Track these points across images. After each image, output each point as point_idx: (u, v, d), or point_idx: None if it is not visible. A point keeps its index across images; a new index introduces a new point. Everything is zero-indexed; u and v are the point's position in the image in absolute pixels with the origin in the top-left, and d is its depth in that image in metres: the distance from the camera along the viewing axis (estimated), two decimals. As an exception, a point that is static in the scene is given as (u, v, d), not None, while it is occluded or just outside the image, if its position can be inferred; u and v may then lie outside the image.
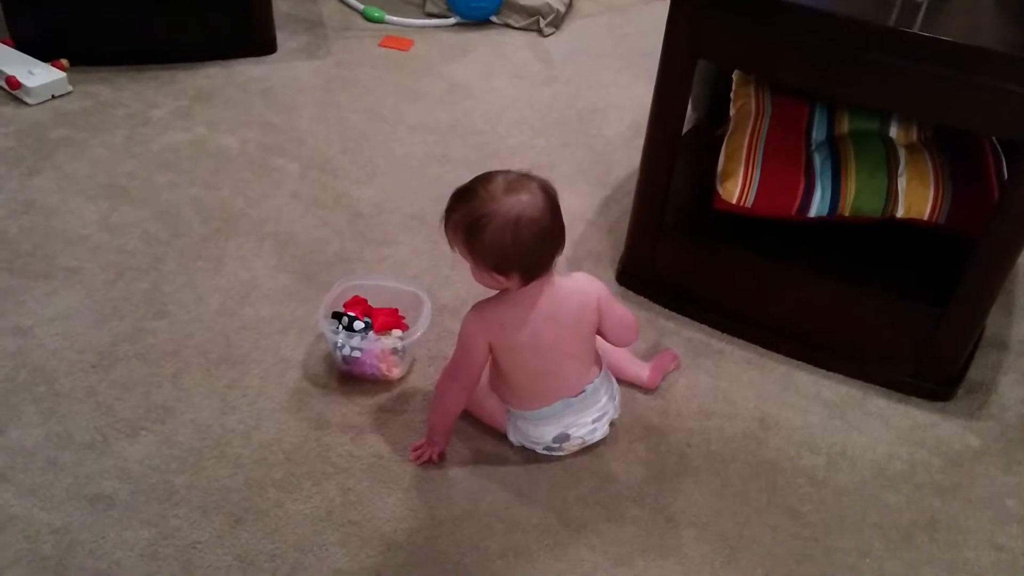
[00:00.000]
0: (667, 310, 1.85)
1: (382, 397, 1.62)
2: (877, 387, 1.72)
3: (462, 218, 1.34)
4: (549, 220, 1.33)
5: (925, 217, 1.69)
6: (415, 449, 1.52)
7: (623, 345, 1.54)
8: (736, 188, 1.72)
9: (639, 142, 2.32)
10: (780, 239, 1.76)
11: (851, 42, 1.43)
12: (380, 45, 2.73)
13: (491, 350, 1.42)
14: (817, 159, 1.74)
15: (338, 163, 2.20)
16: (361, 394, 1.62)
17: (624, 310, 1.50)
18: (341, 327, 1.62)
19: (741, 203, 1.73)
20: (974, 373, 1.75)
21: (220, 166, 2.16)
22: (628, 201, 2.11)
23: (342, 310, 1.66)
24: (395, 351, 1.61)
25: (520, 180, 1.33)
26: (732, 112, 1.86)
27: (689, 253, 1.82)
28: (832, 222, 1.75)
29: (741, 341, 1.79)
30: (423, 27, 2.83)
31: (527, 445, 1.52)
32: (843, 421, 1.65)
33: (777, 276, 1.75)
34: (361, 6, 2.87)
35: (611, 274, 1.94)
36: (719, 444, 1.59)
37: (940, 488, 1.55)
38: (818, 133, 1.81)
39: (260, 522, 1.40)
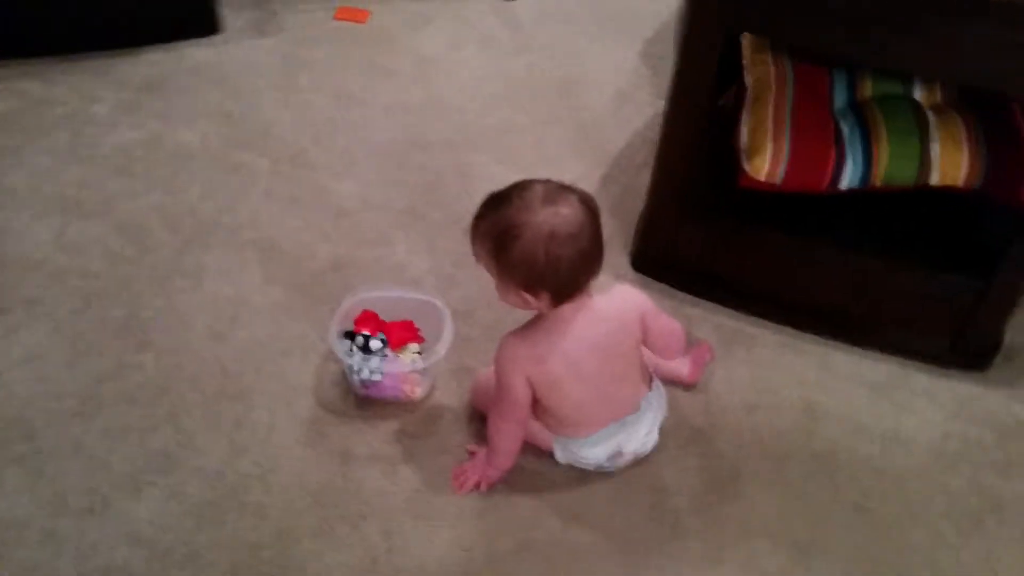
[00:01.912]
0: (691, 296, 1.75)
1: (407, 421, 1.48)
2: (916, 362, 1.65)
3: (492, 226, 1.21)
4: (588, 238, 1.20)
5: (960, 183, 1.61)
6: (456, 477, 1.39)
7: (670, 358, 1.44)
8: (765, 164, 1.61)
9: (627, 112, 2.22)
10: (807, 214, 1.66)
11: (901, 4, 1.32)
12: (335, 18, 2.51)
13: (530, 384, 1.29)
14: (845, 127, 1.63)
15: (311, 154, 2.02)
16: (383, 419, 1.47)
17: (669, 319, 1.39)
18: (355, 348, 1.46)
19: (770, 179, 1.62)
20: (1008, 337, 1.69)
21: (180, 166, 1.95)
22: (628, 178, 2.00)
23: (352, 328, 1.50)
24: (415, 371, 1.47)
25: (560, 191, 1.21)
26: (749, 81, 1.74)
27: (712, 234, 1.71)
28: (862, 193, 1.65)
29: (772, 324, 1.70)
30: (376, -5, 2.62)
31: (576, 464, 1.40)
32: (890, 402, 1.58)
33: (807, 253, 1.66)
34: (306, -25, 2.64)
35: (623, 259, 1.82)
36: (770, 440, 1.50)
37: (998, 466, 1.49)
38: (839, 98, 1.71)
39: (300, 580, 1.26)
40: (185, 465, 1.38)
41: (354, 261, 1.76)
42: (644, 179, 1.99)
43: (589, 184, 1.99)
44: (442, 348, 1.45)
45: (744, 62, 1.79)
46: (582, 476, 1.41)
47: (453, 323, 1.48)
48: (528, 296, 1.23)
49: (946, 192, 1.64)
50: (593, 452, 1.36)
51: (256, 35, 2.41)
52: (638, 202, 1.94)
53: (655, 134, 2.12)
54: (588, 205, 1.22)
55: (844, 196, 1.66)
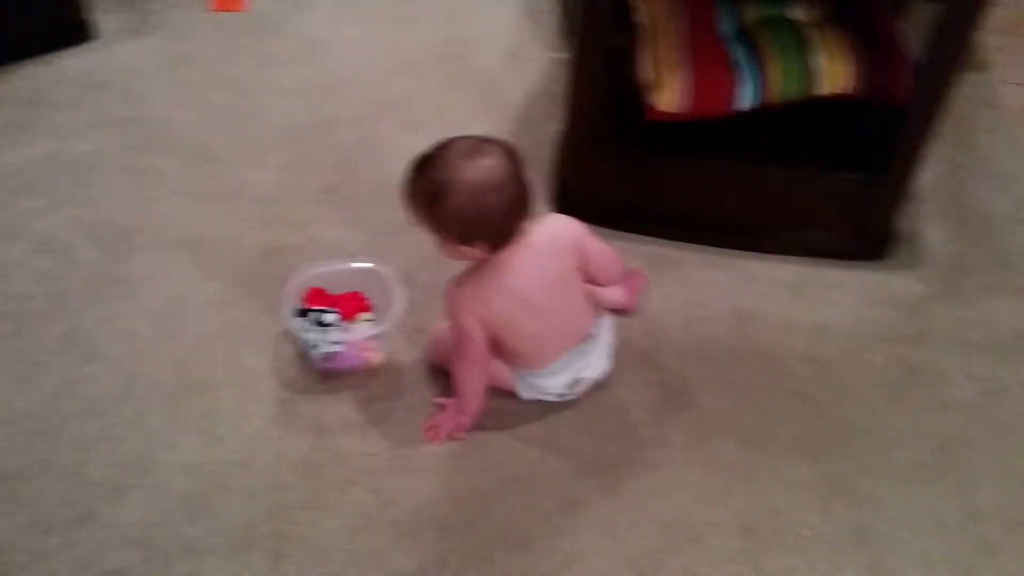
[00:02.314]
0: (615, 231, 1.83)
1: (372, 386, 1.52)
2: (824, 259, 1.80)
3: (421, 188, 1.27)
4: (514, 186, 1.26)
5: (846, 89, 1.75)
6: (428, 430, 1.45)
7: (610, 282, 1.51)
8: (671, 95, 1.71)
9: (522, 66, 2.29)
10: (710, 137, 1.77)
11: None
12: (210, 9, 2.48)
13: (484, 324, 1.36)
14: (736, 52, 1.75)
15: (219, 148, 2.01)
16: (349, 388, 1.52)
17: (602, 244, 1.47)
18: (311, 324, 1.50)
19: (677, 110, 1.73)
20: (900, 225, 1.86)
21: (85, 177, 1.91)
22: (536, 131, 2.07)
23: (302, 307, 1.53)
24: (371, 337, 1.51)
25: (481, 145, 1.27)
26: (642, 19, 1.84)
27: (628, 169, 1.80)
28: (759, 110, 1.78)
29: (694, 245, 1.81)
30: (248, -18, 2.59)
31: (538, 397, 1.48)
32: (808, 298, 1.72)
33: (716, 173, 1.78)
34: (171, -30, 2.58)
35: (545, 206, 1.89)
36: (710, 348, 1.62)
37: (909, 339, 1.65)
38: (727, 27, 1.82)
39: (303, 549, 1.30)
40: (163, 463, 1.39)
41: (286, 246, 1.77)
42: (551, 130, 2.08)
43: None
44: (397, 310, 1.49)
45: (633, 2, 1.89)
46: (546, 408, 1.49)
47: (400, 286, 1.53)
48: (465, 248, 1.29)
49: (833, 100, 1.78)
50: (553, 382, 1.44)
51: (132, 36, 2.35)
52: (548, 151, 2.02)
53: (552, 86, 2.22)
54: (510, 153, 1.27)
55: (742, 116, 1.77)
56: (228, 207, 1.85)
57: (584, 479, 1.40)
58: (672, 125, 1.77)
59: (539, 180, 1.93)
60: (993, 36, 2.38)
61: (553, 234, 1.39)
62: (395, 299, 1.51)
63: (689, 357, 1.60)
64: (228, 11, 2.47)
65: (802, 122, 1.80)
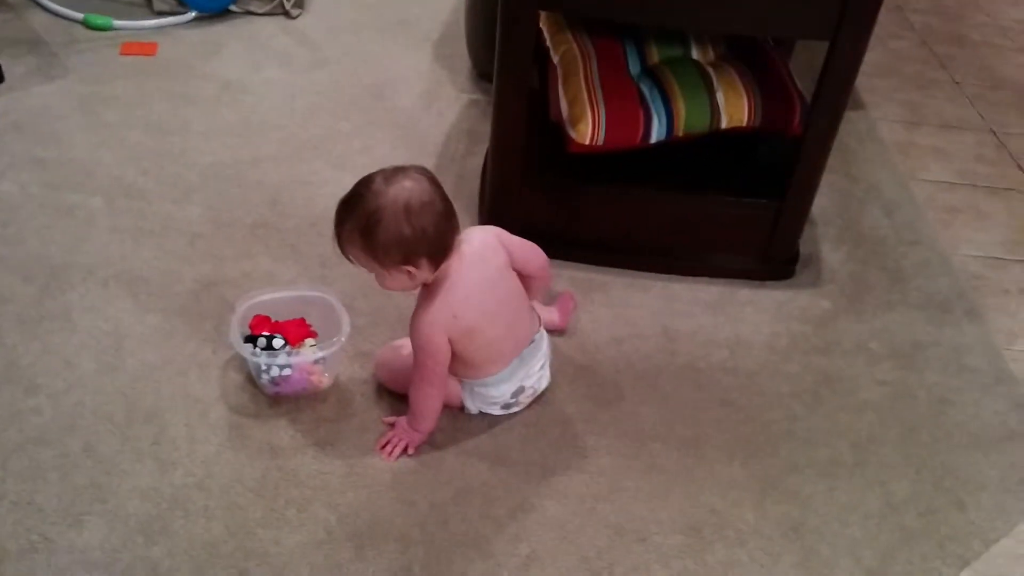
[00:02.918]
0: (542, 257, 1.93)
1: (322, 408, 1.55)
2: (737, 279, 1.94)
3: (353, 224, 1.33)
4: (440, 200, 1.35)
5: (744, 124, 1.91)
6: (383, 447, 1.49)
7: (540, 271, 1.56)
8: (588, 129, 1.83)
9: (438, 108, 2.39)
10: (626, 168, 1.90)
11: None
12: (122, 54, 2.49)
13: (451, 340, 1.42)
14: (645, 89, 1.89)
15: (144, 186, 2.01)
16: (299, 411, 1.54)
17: (519, 238, 1.54)
18: (259, 349, 1.52)
19: (593, 142, 1.85)
20: (802, 249, 2.03)
21: (9, 217, 1.88)
22: (457, 167, 2.17)
23: (249, 333, 1.56)
24: (319, 360, 1.54)
25: (397, 170, 1.34)
26: (556, 59, 1.96)
27: (552, 199, 1.91)
28: (668, 144, 1.92)
29: (617, 269, 1.93)
30: (160, 27, 2.61)
31: (484, 410, 1.55)
32: (725, 316, 1.85)
33: (636, 201, 1.91)
34: (80, 15, 2.58)
35: (474, 236, 1.98)
36: (640, 363, 1.72)
37: (819, 349, 1.80)
38: (633, 66, 1.97)
39: (265, 564, 1.31)
40: (117, 490, 1.38)
41: (222, 278, 1.79)
42: (472, 165, 2.18)
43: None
44: (343, 333, 1.53)
45: (547, 43, 2.01)
46: (492, 422, 1.55)
47: (345, 312, 1.58)
48: (410, 268, 1.35)
49: (733, 133, 1.94)
50: (501, 390, 1.51)
51: (42, 80, 2.34)
52: (471, 185, 2.11)
53: (468, 124, 2.33)
54: (426, 174, 1.35)
55: (652, 148, 1.91)
56: (160, 242, 1.86)
57: (535, 487, 1.46)
58: (591, 156, 1.89)
59: (466, 212, 2.02)
60: (864, 78, 2.63)
61: (481, 241, 1.47)
62: (342, 323, 1.55)
63: (623, 372, 1.69)
64: (138, 55, 2.48)
65: (707, 152, 1.95)
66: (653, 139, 1.89)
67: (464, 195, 2.08)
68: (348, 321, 1.56)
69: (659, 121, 1.87)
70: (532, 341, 1.53)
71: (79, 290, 1.72)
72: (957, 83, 2.89)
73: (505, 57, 1.74)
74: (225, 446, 1.46)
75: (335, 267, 1.81)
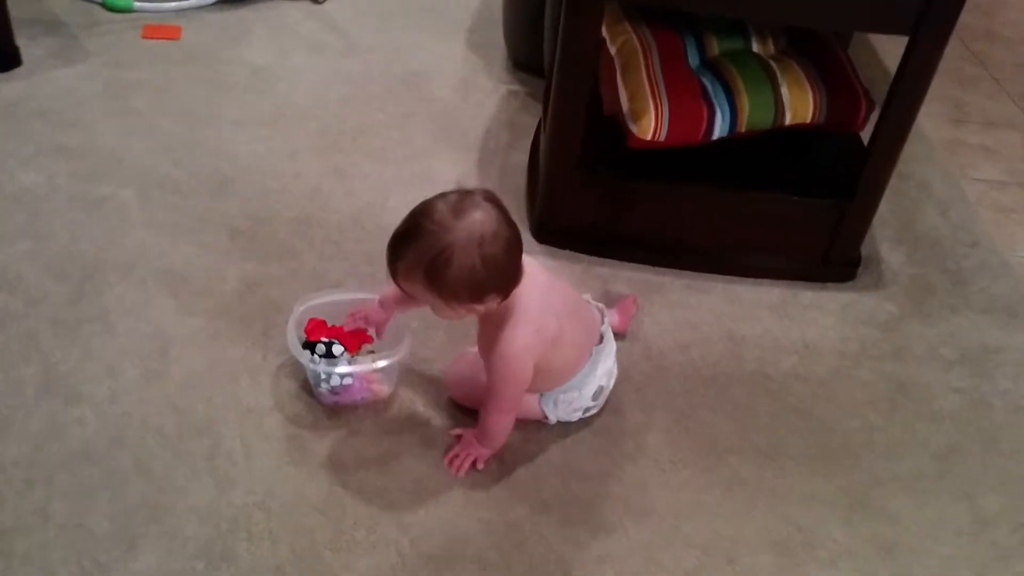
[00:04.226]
0: (596, 257, 1.85)
1: (383, 420, 1.47)
2: (799, 282, 1.86)
3: (416, 261, 1.20)
4: (507, 227, 1.22)
5: (809, 120, 1.83)
6: (451, 462, 1.40)
7: None
8: (651, 124, 1.74)
9: (476, 98, 2.30)
10: (686, 166, 1.82)
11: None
12: (144, 37, 2.38)
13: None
14: (707, 83, 1.81)
15: (178, 178, 1.91)
16: (359, 421, 1.45)
17: None
18: (318, 357, 1.43)
19: (656, 138, 1.76)
20: (863, 250, 1.96)
21: (36, 210, 1.78)
22: (501, 160, 2.08)
23: (305, 338, 1.47)
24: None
25: (463, 199, 1.20)
26: (614, 51, 1.87)
27: (608, 196, 1.83)
28: (729, 140, 1.84)
29: (675, 270, 1.84)
30: (182, 10, 2.50)
31: (564, 419, 1.47)
32: (790, 319, 1.78)
33: (695, 200, 1.83)
34: (98, -4, 2.47)
35: (525, 235, 1.88)
36: (709, 370, 1.64)
37: (890, 355, 1.73)
38: (693, 59, 1.88)
39: (338, 592, 1.22)
40: (173, 510, 1.29)
41: (267, 277, 1.70)
42: (515, 160, 2.09)
43: (467, 170, 2.05)
44: (406, 342, 1.44)
45: (604, 35, 1.92)
46: (563, 433, 1.47)
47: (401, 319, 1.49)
48: (477, 307, 1.24)
49: (796, 130, 1.86)
50: (583, 394, 1.43)
51: (62, 63, 2.23)
52: (516, 181, 2.03)
53: (508, 116, 2.24)
54: (493, 200, 1.23)
55: (713, 145, 1.83)
56: (198, 238, 1.76)
57: (613, 503, 1.39)
58: (646, 152, 1.80)
59: (514, 208, 1.92)
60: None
61: None
62: (402, 330, 1.46)
63: (691, 379, 1.62)
64: (161, 39, 2.38)
65: (762, 149, 1.87)
66: (715, 135, 1.81)
67: (509, 191, 2.00)
68: (410, 328, 1.47)
69: (722, 116, 1.78)
70: (602, 336, 1.45)
71: (116, 290, 1.62)
72: (996, 80, 2.82)
73: (568, 49, 1.66)
74: (284, 460, 1.37)
75: (383, 266, 1.72)
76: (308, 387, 1.48)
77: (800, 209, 1.83)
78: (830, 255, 1.87)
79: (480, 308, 1.25)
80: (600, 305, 1.53)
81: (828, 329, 1.77)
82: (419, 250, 1.19)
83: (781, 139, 1.87)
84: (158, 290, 1.63)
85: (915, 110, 1.69)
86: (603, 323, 1.48)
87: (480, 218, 1.19)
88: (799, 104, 1.82)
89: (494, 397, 1.34)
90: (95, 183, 1.85)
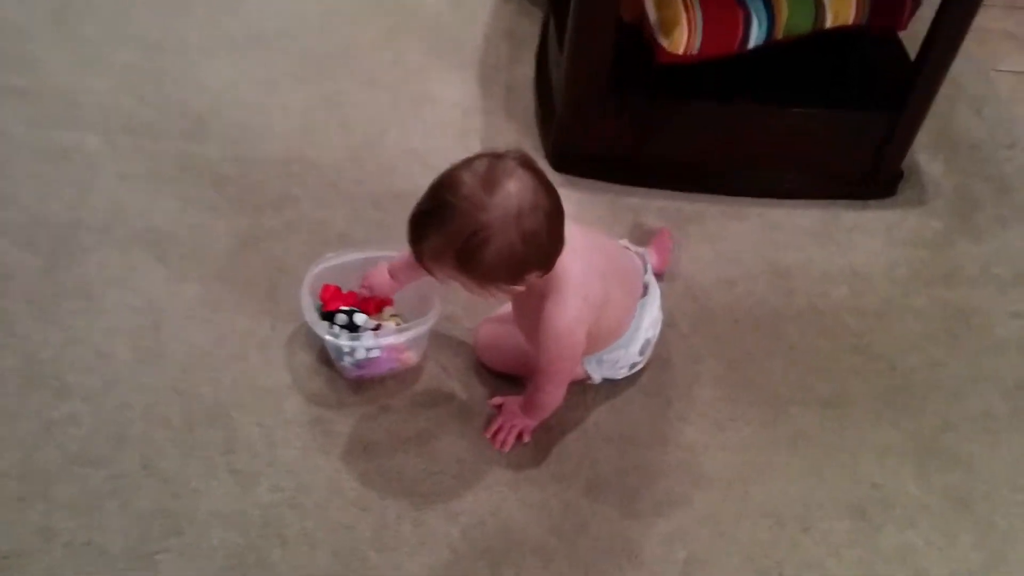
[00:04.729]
0: (622, 185, 1.69)
1: (415, 392, 1.32)
2: (839, 201, 1.72)
3: (445, 243, 1.03)
4: (547, 197, 1.05)
5: (851, 21, 1.65)
6: (494, 436, 1.27)
7: None
8: (683, 36, 1.56)
9: (469, 5, 2.07)
10: (719, 80, 1.64)
11: None
12: (87, -49, 2.08)
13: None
14: (742, -15, 1.61)
15: (146, 119, 1.69)
16: (388, 397, 1.31)
17: None
18: (340, 328, 1.27)
19: (688, 51, 1.58)
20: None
21: (-11, 165, 1.56)
22: (505, 77, 1.89)
23: (322, 307, 1.31)
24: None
25: (494, 167, 1.03)
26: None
27: (636, 118, 1.65)
28: (765, 50, 1.65)
29: (708, 195, 1.69)
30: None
31: (609, 376, 1.34)
32: (835, 244, 1.64)
33: (731, 116, 1.66)
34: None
35: (541, 162, 1.71)
36: (758, 308, 1.51)
37: (943, 279, 1.61)
38: (723, -43, 1.67)
39: (390, 599, 1.10)
40: (193, 517, 1.15)
41: (263, 231, 1.52)
42: (520, 74, 1.90)
43: (470, 91, 1.85)
44: (435, 308, 1.29)
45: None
46: (611, 392, 1.35)
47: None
48: (515, 287, 1.09)
49: (833, 35, 1.68)
50: (629, 351, 1.30)
51: (-3, -14, 1.95)
52: (524, 99, 1.84)
53: (506, 25, 2.02)
54: (526, 163, 1.05)
55: (747, 56, 1.65)
56: (180, 190, 1.56)
57: (674, 471, 1.27)
58: (672, 69, 1.62)
59: (527, 132, 1.75)
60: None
61: None
62: (429, 292, 1.30)
63: (741, 321, 1.49)
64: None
65: (801, 61, 1.69)
66: (752, 44, 1.62)
67: (518, 112, 1.81)
68: (437, 288, 1.31)
69: (759, 22, 1.60)
70: (645, 286, 1.31)
71: (95, 257, 1.43)
72: (1015, -45, 2.63)
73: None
74: (311, 448, 1.23)
75: (390, 209, 1.55)
76: (326, 358, 1.33)
77: (845, 124, 1.67)
78: (874, 171, 1.72)
79: (520, 288, 1.10)
80: (641, 251, 1.38)
81: (875, 254, 1.64)
82: (449, 231, 1.02)
83: (817, 48, 1.69)
84: (142, 254, 1.45)
85: (974, 10, 1.52)
86: (646, 272, 1.33)
87: (515, 189, 1.02)
88: (840, 5, 1.63)
89: (546, 374, 1.20)
90: (55, 130, 1.63)
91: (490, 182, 1.01)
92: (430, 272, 1.09)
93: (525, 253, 1.04)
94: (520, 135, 1.76)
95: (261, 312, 1.38)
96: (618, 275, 1.25)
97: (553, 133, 1.71)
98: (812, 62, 1.70)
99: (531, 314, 1.17)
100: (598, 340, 1.25)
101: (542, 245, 1.06)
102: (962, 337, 1.52)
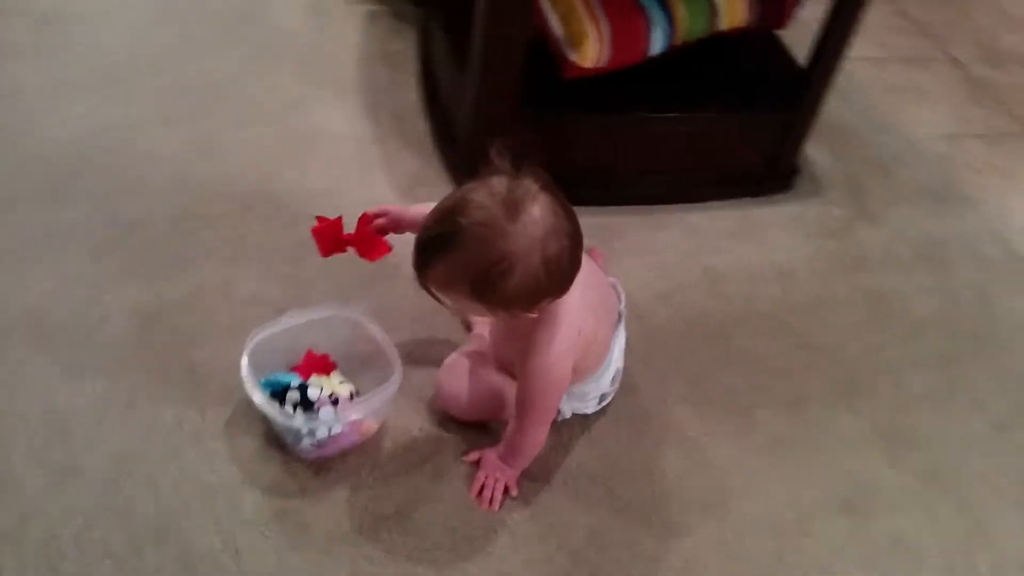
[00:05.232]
0: (540, 205, 1.62)
1: (381, 462, 1.20)
2: (744, 199, 1.74)
3: (460, 272, 0.96)
4: (567, 220, 0.98)
5: (744, 21, 1.67)
6: (481, 497, 1.17)
7: None
8: (592, 49, 1.51)
9: (334, 26, 1.99)
10: (620, 94, 1.60)
11: None
12: None
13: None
14: (638, -7, 1.58)
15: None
16: (353, 472, 1.18)
17: None
18: (294, 407, 1.13)
19: (597, 63, 1.53)
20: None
21: None
22: (390, 101, 1.82)
23: (267, 382, 1.16)
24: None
25: (513, 189, 0.95)
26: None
27: (548, 135, 1.58)
28: (660, 60, 1.63)
29: (627, 207, 1.66)
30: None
31: (579, 410, 1.27)
32: (755, 242, 1.66)
33: (638, 126, 1.64)
34: None
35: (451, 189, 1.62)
36: (702, 318, 1.50)
37: (856, 265, 1.66)
38: (614, -34, 1.64)
39: None
40: (168, 657, 0.97)
41: (162, 302, 1.33)
42: (405, 99, 1.82)
43: (357, 120, 1.73)
44: (396, 367, 1.17)
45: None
46: (585, 427, 1.28)
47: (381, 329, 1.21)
48: (529, 315, 1.02)
49: (720, 38, 1.68)
50: (601, 383, 1.24)
51: None
52: (417, 124, 1.77)
53: (379, 45, 1.92)
54: (544, 183, 0.99)
55: (645, 67, 1.62)
56: (53, 267, 1.35)
57: (668, 501, 1.22)
58: (571, 82, 1.57)
59: (421, 159, 1.66)
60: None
61: None
62: (388, 353, 1.18)
63: (689, 333, 1.46)
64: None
65: (693, 69, 1.69)
66: (655, 50, 1.60)
67: (414, 138, 1.71)
68: (391, 345, 1.19)
69: (660, 29, 1.58)
70: (620, 315, 1.26)
71: (-36, 358, 1.20)
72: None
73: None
74: (284, 547, 1.08)
75: (304, 260, 1.41)
76: (274, 440, 1.18)
77: (745, 125, 1.71)
78: (773, 168, 1.75)
79: (532, 315, 1.02)
80: (614, 281, 1.31)
81: (793, 248, 1.66)
82: (465, 260, 0.94)
83: (707, 55, 1.70)
84: (28, 349, 1.23)
85: (862, 8, 1.57)
86: (621, 302, 1.27)
87: (539, 215, 0.94)
88: (732, 7, 1.64)
89: (531, 410, 1.12)
90: None
91: (512, 206, 0.93)
92: (432, 295, 1.00)
93: (548, 282, 0.97)
94: (423, 162, 1.66)
95: (185, 398, 1.21)
96: (604, 309, 1.20)
97: (462, 156, 1.61)
98: (705, 69, 1.71)
99: (517, 344, 1.08)
100: (577, 374, 1.17)
101: (564, 272, 0.99)
102: (887, 320, 1.56)
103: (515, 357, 1.12)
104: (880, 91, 2.17)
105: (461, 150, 1.61)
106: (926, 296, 1.62)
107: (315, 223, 1.17)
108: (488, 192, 0.94)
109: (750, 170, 1.74)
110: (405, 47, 1.91)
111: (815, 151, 1.88)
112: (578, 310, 1.08)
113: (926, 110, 2.14)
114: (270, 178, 1.55)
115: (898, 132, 2.03)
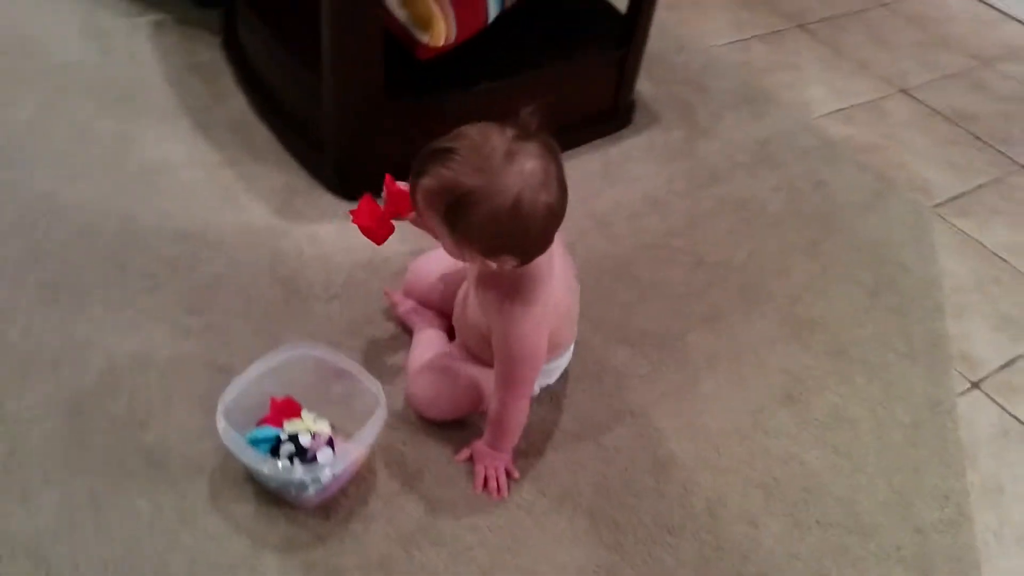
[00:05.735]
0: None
1: (382, 487, 1.18)
2: (598, 141, 1.83)
3: (442, 190, 0.99)
4: (556, 192, 1.01)
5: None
6: (486, 488, 1.19)
7: None
8: (442, 28, 1.51)
9: (120, 47, 1.90)
10: (467, 66, 1.61)
11: None
12: None
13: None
14: (463, -40, 1.59)
15: None
16: (361, 505, 1.15)
17: None
18: (290, 460, 1.09)
19: (448, 41, 1.53)
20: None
21: None
22: (221, 115, 1.74)
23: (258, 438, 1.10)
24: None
25: (521, 142, 0.99)
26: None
27: (414, 121, 1.56)
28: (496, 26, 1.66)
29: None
30: None
31: (544, 383, 1.31)
32: (623, 180, 1.76)
33: (492, 96, 1.65)
34: None
35: (327, 198, 1.58)
36: (606, 261, 1.57)
37: (711, 179, 1.79)
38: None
39: None
40: None
41: (84, 391, 1.20)
42: (235, 109, 1.77)
43: (194, 144, 1.65)
44: (379, 396, 1.14)
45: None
46: (549, 396, 1.32)
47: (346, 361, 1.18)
48: (489, 262, 1.04)
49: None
50: (568, 352, 1.30)
51: None
52: (259, 135, 1.70)
53: (180, 59, 1.83)
54: (552, 152, 1.01)
55: (482, 39, 1.63)
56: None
57: (647, 439, 1.30)
58: (424, 66, 1.57)
59: (287, 173, 1.60)
60: None
61: None
62: (365, 381, 1.15)
63: (600, 281, 1.53)
64: None
65: (524, 32, 1.73)
66: (492, 15, 1.62)
67: (261, 150, 1.65)
68: (362, 369, 1.17)
69: (493, -7, 1.60)
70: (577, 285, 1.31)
71: None
72: None
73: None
74: (324, 598, 1.05)
75: (209, 307, 1.33)
76: (271, 498, 1.12)
77: (587, 71, 1.77)
78: (615, 106, 1.85)
79: (492, 265, 1.04)
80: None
81: (654, 176, 1.77)
82: (450, 179, 0.98)
83: (530, 15, 1.73)
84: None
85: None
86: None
87: (529, 171, 0.97)
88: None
89: (511, 384, 1.14)
90: None
91: (512, 152, 0.97)
92: (416, 209, 1.04)
93: (510, 232, 0.99)
94: (284, 172, 1.60)
95: (156, 483, 1.12)
96: (573, 289, 1.23)
97: (334, 160, 1.56)
98: (535, 28, 1.74)
99: (490, 309, 1.10)
100: (552, 350, 1.21)
101: (528, 234, 1.01)
102: (753, 222, 1.72)
103: (488, 334, 1.13)
104: (663, 10, 2.30)
105: (331, 154, 1.56)
106: (773, 193, 1.79)
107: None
108: (501, 132, 0.98)
109: (597, 113, 1.82)
110: (209, 53, 1.79)
111: (639, 83, 1.99)
112: (552, 283, 1.11)
113: (710, 22, 2.32)
114: (129, 230, 1.43)
115: (694, 47, 2.18)
